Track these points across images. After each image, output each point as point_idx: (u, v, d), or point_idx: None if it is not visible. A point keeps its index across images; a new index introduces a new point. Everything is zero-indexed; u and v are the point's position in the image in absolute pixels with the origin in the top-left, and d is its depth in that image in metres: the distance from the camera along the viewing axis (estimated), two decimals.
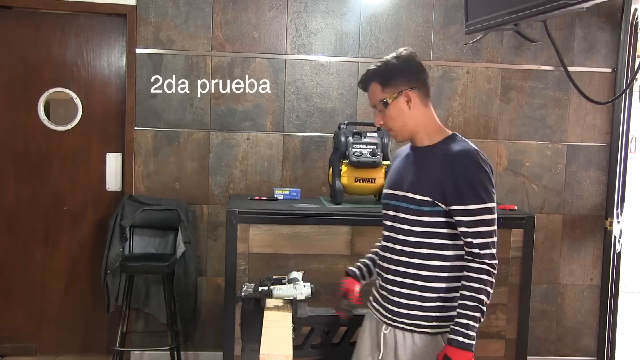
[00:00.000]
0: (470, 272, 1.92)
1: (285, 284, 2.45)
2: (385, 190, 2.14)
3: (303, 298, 2.39)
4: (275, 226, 3.17)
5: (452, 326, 1.90)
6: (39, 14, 3.85)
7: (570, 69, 3.32)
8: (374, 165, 3.34)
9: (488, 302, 1.92)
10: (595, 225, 4.13)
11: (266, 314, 2.35)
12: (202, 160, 3.90)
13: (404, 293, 2.02)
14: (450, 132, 2.08)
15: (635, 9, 3.95)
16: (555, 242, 4.11)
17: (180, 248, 3.65)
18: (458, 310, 1.90)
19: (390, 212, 2.06)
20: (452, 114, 4.00)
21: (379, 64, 2.02)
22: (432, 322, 1.99)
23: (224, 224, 3.57)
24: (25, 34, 3.84)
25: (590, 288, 4.17)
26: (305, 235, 3.17)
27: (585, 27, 4.03)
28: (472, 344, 1.87)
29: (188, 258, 3.68)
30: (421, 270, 1.99)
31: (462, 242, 1.96)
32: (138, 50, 3.81)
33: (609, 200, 4.09)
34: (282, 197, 3.63)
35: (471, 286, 1.90)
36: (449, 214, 1.95)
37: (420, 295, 1.99)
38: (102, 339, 4.02)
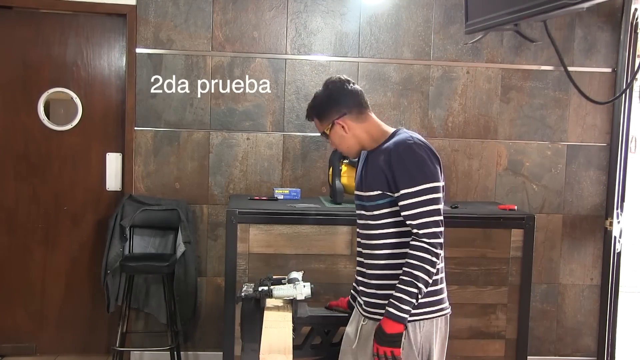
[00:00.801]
0: (410, 249, 2.02)
1: (285, 284, 2.45)
2: (354, 193, 2.30)
3: (303, 298, 2.39)
4: (275, 226, 3.17)
5: (389, 299, 2.02)
6: (39, 14, 3.85)
7: (570, 69, 3.33)
8: None
9: (428, 279, 2.02)
10: (595, 225, 4.13)
11: (266, 314, 2.35)
12: (202, 160, 3.90)
13: (375, 284, 2.14)
14: (392, 129, 2.19)
15: (635, 9, 3.95)
16: (555, 242, 4.11)
17: (180, 248, 3.65)
18: (396, 285, 2.02)
19: (358, 212, 2.24)
20: (452, 114, 4.00)
21: (313, 99, 2.24)
22: None
23: (224, 224, 3.57)
24: (25, 34, 3.85)
25: (590, 288, 4.17)
26: (305, 235, 3.17)
27: (585, 27, 4.03)
28: (404, 317, 2.00)
29: (188, 258, 3.68)
30: (396, 259, 2.11)
31: None
32: (138, 50, 3.81)
33: (609, 200, 4.09)
34: (282, 197, 3.63)
35: (409, 262, 2.01)
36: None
37: (391, 284, 2.08)
38: (102, 339, 4.02)
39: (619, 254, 4.14)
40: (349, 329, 2.28)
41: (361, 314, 2.20)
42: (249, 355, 2.15)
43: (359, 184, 2.22)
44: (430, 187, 2.02)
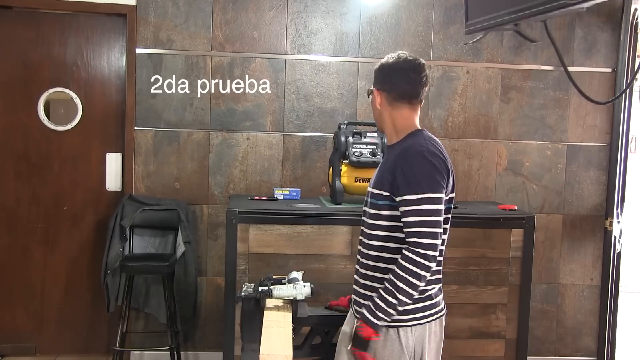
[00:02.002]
0: (400, 258, 1.96)
1: (285, 284, 2.45)
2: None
3: (303, 298, 2.39)
4: (275, 226, 3.17)
5: (369, 302, 2.00)
6: (39, 14, 3.85)
7: (570, 69, 3.33)
8: (374, 165, 3.34)
9: (412, 292, 1.95)
10: (595, 225, 4.13)
11: (266, 314, 2.35)
12: (202, 160, 3.90)
13: (370, 286, 2.09)
14: (415, 129, 2.15)
15: (635, 9, 3.95)
16: (555, 242, 4.11)
17: (180, 248, 3.65)
18: (379, 290, 1.98)
19: (363, 208, 2.21)
20: (452, 114, 4.00)
21: (385, 60, 2.19)
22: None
23: (224, 224, 3.57)
24: (25, 34, 3.84)
25: (590, 288, 4.17)
26: (305, 235, 3.17)
27: (585, 27, 4.03)
28: (377, 324, 1.96)
29: (188, 258, 3.68)
30: (384, 263, 2.07)
31: None
32: (138, 50, 3.81)
33: (609, 200, 4.09)
34: (282, 197, 3.63)
35: (395, 271, 1.95)
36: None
37: (376, 287, 2.05)
38: (102, 339, 4.02)
39: (619, 254, 4.14)
40: (346, 328, 2.24)
41: (355, 316, 2.13)
42: (249, 355, 2.15)
43: (372, 181, 2.19)
44: (431, 198, 1.96)
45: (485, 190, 4.05)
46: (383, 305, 1.95)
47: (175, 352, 3.63)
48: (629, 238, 4.59)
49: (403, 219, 1.98)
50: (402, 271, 1.93)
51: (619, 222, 4.10)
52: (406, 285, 1.93)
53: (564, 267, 4.13)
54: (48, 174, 3.93)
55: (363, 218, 2.19)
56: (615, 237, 4.08)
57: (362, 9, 3.91)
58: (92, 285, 3.96)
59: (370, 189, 2.16)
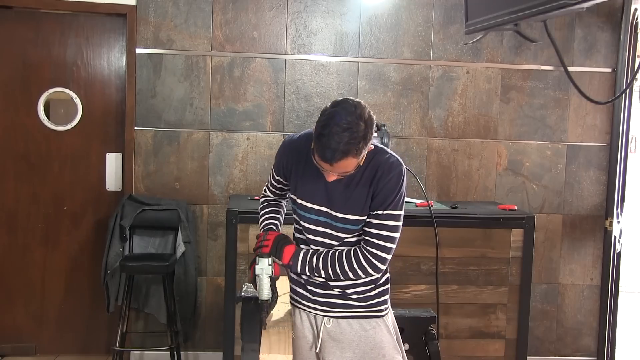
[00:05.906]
0: (355, 255, 2.03)
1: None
2: (307, 204, 2.11)
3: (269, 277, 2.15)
4: None
5: (318, 255, 2.06)
6: (39, 14, 3.85)
7: (570, 69, 3.33)
8: None
9: (340, 278, 2.05)
10: (595, 225, 4.13)
11: None
12: (202, 160, 3.90)
13: (337, 285, 2.12)
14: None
15: (635, 9, 3.95)
16: (555, 242, 4.11)
17: (180, 248, 3.65)
18: (328, 257, 2.04)
19: (318, 228, 2.10)
20: (452, 114, 4.00)
21: (350, 139, 1.86)
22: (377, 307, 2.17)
23: (224, 224, 3.57)
24: (25, 34, 3.85)
25: (590, 288, 4.17)
26: None
27: (585, 27, 4.03)
28: (295, 265, 2.08)
29: (188, 258, 3.68)
30: None
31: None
32: (138, 50, 3.81)
33: (609, 200, 4.09)
34: None
35: (348, 260, 2.03)
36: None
37: (358, 290, 2.14)
38: (102, 339, 4.02)
39: (619, 254, 4.14)
40: (308, 334, 2.19)
41: (322, 315, 2.15)
42: (249, 355, 2.15)
43: (329, 201, 2.06)
44: (402, 215, 2.04)
45: (485, 190, 4.05)
46: (315, 269, 2.05)
47: (175, 352, 3.63)
48: (629, 238, 4.59)
49: (370, 229, 2.07)
50: (354, 265, 2.03)
51: (619, 222, 4.10)
52: (342, 274, 2.04)
53: (564, 267, 4.13)
54: (48, 174, 3.93)
55: (325, 239, 2.12)
56: (615, 237, 4.08)
57: (362, 9, 3.91)
58: (92, 285, 3.96)
59: (335, 213, 2.07)
